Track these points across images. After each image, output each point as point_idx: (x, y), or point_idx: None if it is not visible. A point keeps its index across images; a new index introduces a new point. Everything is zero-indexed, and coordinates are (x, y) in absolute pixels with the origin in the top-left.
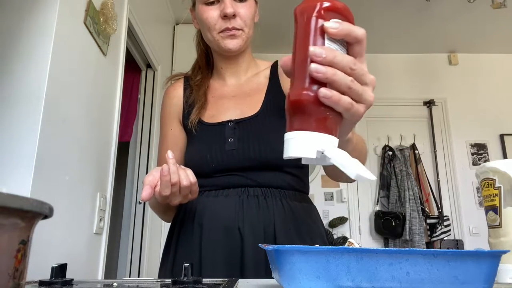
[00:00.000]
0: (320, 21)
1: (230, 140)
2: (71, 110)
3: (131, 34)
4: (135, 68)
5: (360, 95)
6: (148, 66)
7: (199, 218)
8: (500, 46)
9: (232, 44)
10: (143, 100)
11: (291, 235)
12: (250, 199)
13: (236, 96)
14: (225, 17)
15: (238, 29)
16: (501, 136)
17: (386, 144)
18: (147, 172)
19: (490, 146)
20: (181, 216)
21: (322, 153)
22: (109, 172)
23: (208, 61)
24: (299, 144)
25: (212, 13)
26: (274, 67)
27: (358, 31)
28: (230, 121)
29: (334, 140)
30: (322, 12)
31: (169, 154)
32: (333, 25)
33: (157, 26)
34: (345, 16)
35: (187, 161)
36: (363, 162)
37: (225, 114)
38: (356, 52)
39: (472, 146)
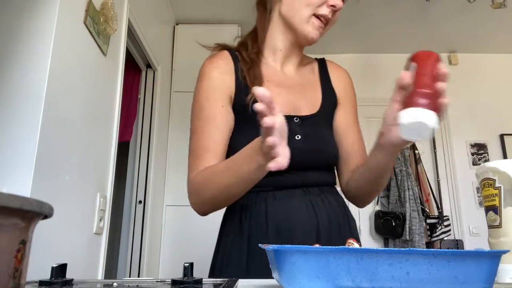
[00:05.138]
0: (434, 65)
1: (297, 137)
2: (71, 110)
3: (131, 34)
4: (135, 68)
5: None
6: (148, 66)
7: (272, 221)
8: (500, 46)
9: (315, 34)
10: (143, 100)
11: (347, 232)
12: (316, 199)
13: (293, 87)
14: (332, 6)
15: (326, 24)
16: (501, 136)
17: None
18: (147, 172)
19: (490, 146)
20: (248, 219)
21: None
22: (109, 172)
23: (263, 40)
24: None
25: None
26: (322, 65)
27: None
28: (296, 116)
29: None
30: (435, 60)
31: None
32: (445, 71)
33: (157, 26)
34: (439, 61)
35: None
36: None
37: (287, 106)
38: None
39: (472, 146)
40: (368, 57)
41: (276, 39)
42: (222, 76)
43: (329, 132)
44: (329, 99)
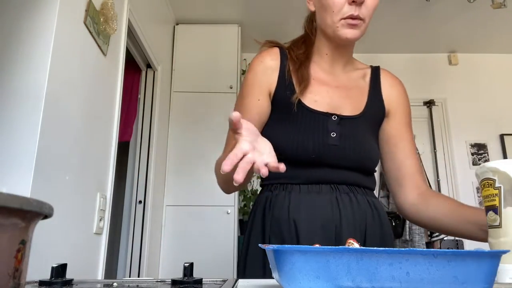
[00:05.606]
0: None
1: (333, 134)
2: (71, 110)
3: (131, 34)
4: (135, 68)
5: None
6: (148, 66)
7: (293, 214)
8: (500, 46)
9: (351, 33)
10: (143, 100)
11: (376, 232)
12: (343, 196)
13: (339, 87)
14: (353, 2)
15: (361, 19)
16: (501, 136)
17: None
18: (147, 172)
19: (490, 146)
20: (271, 210)
21: None
22: (109, 172)
23: (312, 43)
24: None
25: None
26: (375, 73)
27: None
28: (334, 114)
29: None
30: None
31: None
32: None
33: (157, 26)
34: None
35: (281, 144)
36: None
37: (329, 104)
38: None
39: (472, 146)
40: (368, 57)
41: (321, 45)
42: (265, 71)
43: (370, 136)
44: (375, 106)
